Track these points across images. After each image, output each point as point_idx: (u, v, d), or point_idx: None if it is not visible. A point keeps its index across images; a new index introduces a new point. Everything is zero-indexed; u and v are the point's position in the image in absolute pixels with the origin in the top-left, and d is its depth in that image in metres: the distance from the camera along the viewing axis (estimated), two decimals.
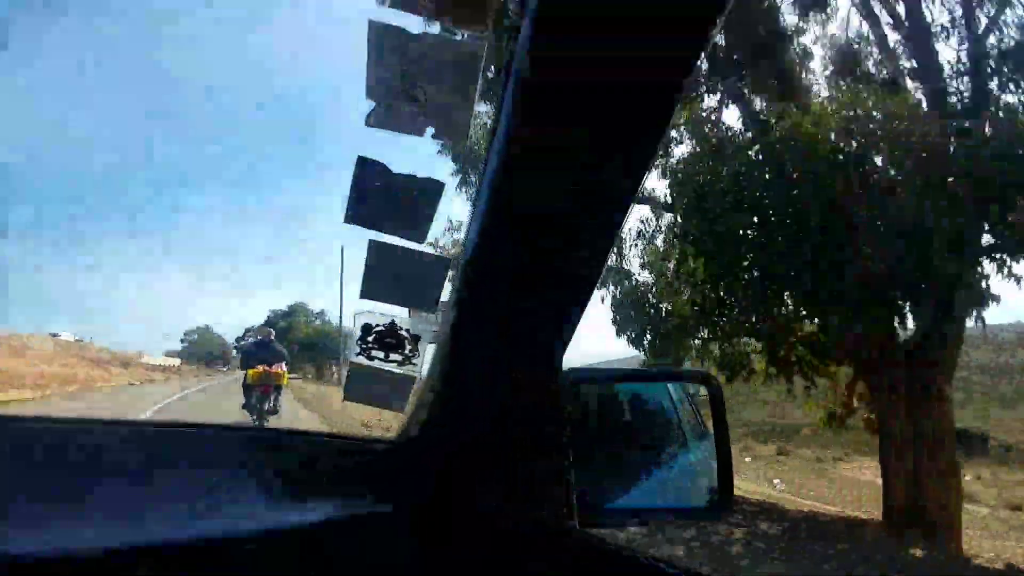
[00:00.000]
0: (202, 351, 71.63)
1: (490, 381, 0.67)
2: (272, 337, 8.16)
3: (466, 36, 0.62)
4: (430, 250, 0.71)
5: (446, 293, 0.69)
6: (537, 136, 0.51)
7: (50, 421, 0.91)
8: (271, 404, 7.51)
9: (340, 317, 22.92)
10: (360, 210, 0.69)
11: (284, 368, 7.65)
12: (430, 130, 0.65)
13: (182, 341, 74.14)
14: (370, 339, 0.74)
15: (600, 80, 0.47)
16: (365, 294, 0.70)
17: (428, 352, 0.73)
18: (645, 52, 0.44)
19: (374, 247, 0.68)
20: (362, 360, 0.75)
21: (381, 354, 0.74)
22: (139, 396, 13.86)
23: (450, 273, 0.70)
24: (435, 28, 0.63)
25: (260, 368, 7.43)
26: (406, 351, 0.73)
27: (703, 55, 0.58)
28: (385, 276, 0.70)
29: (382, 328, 0.73)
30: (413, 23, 0.62)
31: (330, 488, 0.72)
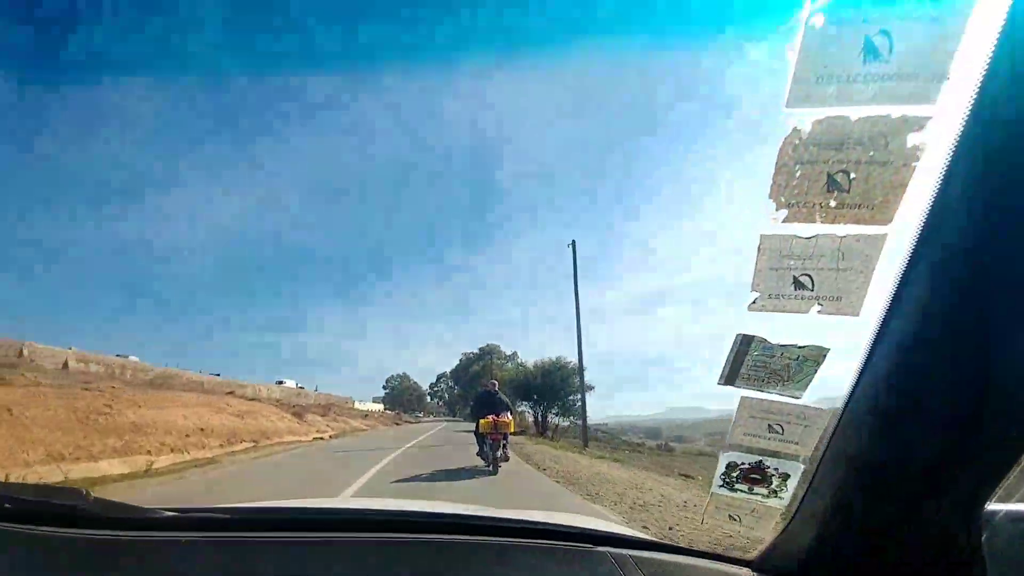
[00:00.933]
0: (402, 396, 78.70)
1: (901, 520, 0.66)
2: (496, 388, 8.79)
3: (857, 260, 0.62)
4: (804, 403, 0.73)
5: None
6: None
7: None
8: (502, 452, 8.14)
9: (580, 368, 21.20)
10: (736, 375, 0.73)
11: (510, 417, 8.26)
12: (816, 307, 0.66)
13: (384, 387, 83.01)
14: (734, 475, 0.80)
15: None
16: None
17: (795, 480, 0.78)
18: None
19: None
20: (724, 492, 0.82)
21: (745, 487, 0.80)
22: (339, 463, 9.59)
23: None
24: (826, 228, 0.63)
25: (489, 418, 8.05)
26: (772, 486, 0.79)
27: None
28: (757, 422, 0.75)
29: (747, 466, 0.79)
30: (803, 228, 0.63)
31: None
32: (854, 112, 0.61)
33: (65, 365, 21.01)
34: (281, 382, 47.80)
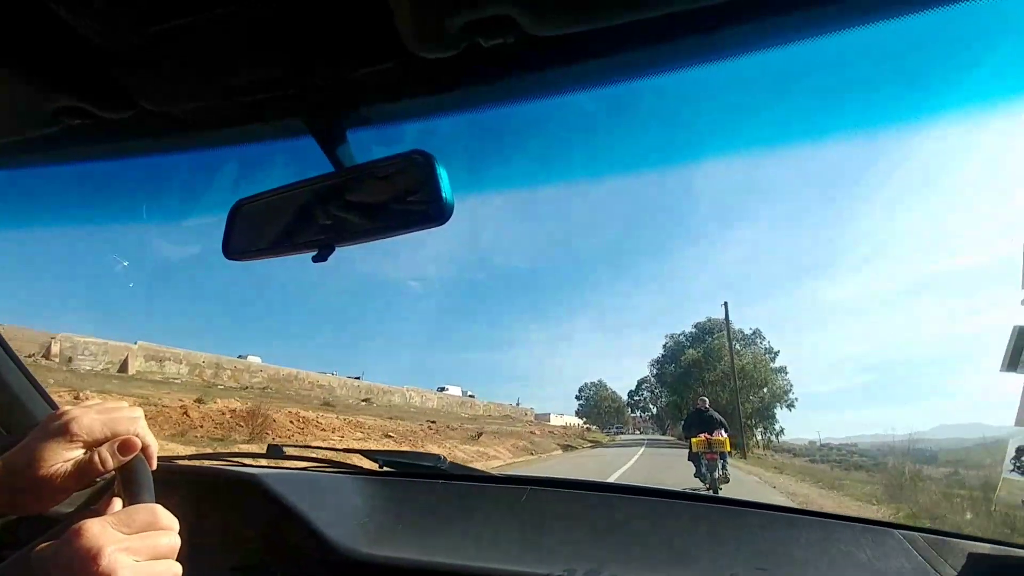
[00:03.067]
0: (598, 407, 72.28)
1: None
2: (707, 405, 8.57)
3: None
4: None
5: None
6: None
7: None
8: (720, 472, 7.76)
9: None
10: (1018, 361, 0.89)
11: (724, 435, 7.94)
12: None
13: (577, 398, 77.24)
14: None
15: None
16: None
17: None
18: None
19: None
20: (1016, 476, 0.93)
21: None
22: None
23: None
24: None
25: (702, 436, 7.86)
26: None
27: None
28: None
29: None
30: None
31: None
32: None
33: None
34: (443, 388, 45.43)
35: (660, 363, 47.84)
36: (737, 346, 37.10)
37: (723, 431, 7.89)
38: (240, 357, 30.41)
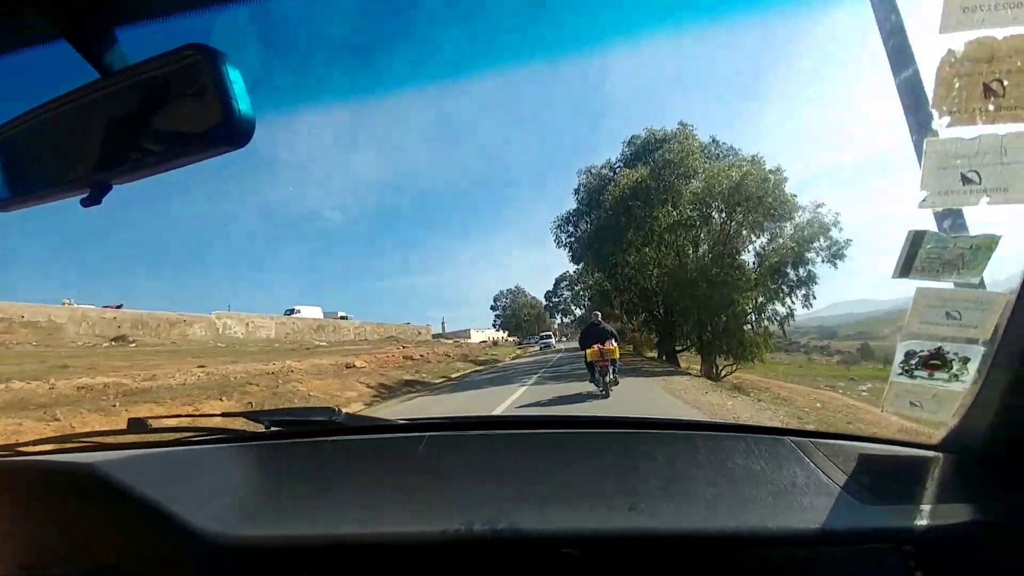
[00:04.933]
0: (516, 318, 62.35)
1: None
2: (600, 319, 9.76)
3: None
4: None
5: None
6: None
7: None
8: (612, 376, 8.99)
9: None
10: (910, 268, 0.86)
11: (614, 344, 9.07)
12: (985, 198, 0.78)
13: (493, 308, 65.77)
14: (913, 362, 0.92)
15: None
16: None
17: (975, 364, 0.88)
18: None
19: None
20: (904, 379, 0.94)
21: (925, 374, 0.92)
22: None
23: None
24: (987, 129, 0.76)
25: (595, 347, 8.93)
26: (953, 371, 0.90)
27: None
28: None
29: (926, 353, 0.91)
30: None
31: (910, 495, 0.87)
32: (999, 32, 0.75)
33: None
34: (293, 311, 38.40)
35: (571, 220, 24.58)
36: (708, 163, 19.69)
37: (613, 340, 9.07)
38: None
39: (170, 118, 0.56)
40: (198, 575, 0.88)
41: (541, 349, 39.14)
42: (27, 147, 0.65)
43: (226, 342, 28.46)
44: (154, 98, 0.56)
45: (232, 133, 0.53)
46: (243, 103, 0.52)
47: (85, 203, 0.59)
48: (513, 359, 30.56)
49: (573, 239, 24.09)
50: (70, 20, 0.60)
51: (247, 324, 33.54)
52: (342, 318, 43.31)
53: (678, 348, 21.91)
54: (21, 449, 1.20)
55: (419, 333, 48.17)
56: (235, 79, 0.52)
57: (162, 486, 0.94)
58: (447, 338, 48.70)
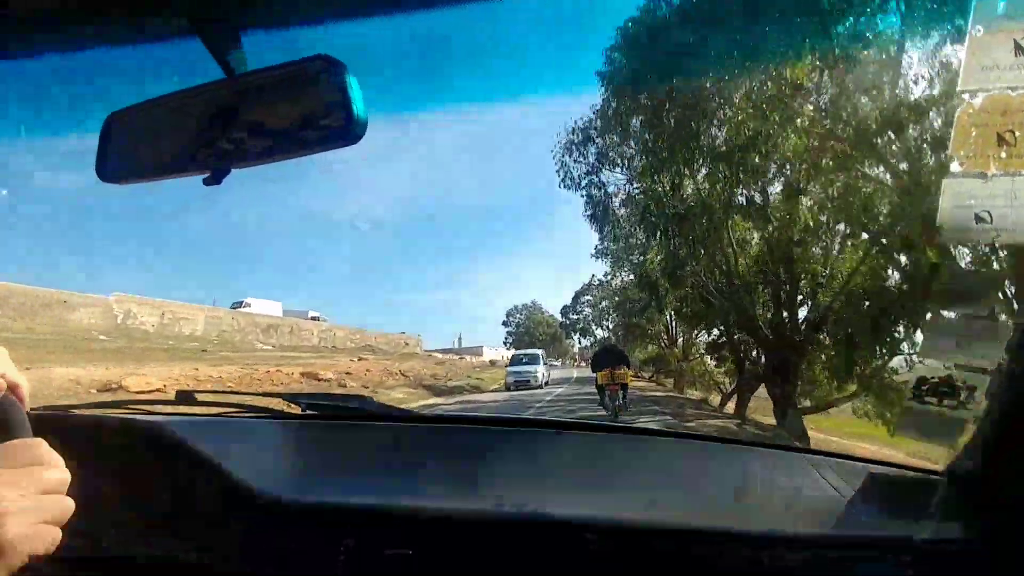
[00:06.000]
0: (530, 335, 53.20)
1: None
2: (613, 341, 10.13)
3: None
4: None
5: None
6: None
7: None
8: (621, 401, 9.14)
9: None
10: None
11: (626, 369, 9.33)
12: (995, 236, 0.86)
13: (505, 324, 57.48)
14: (924, 388, 0.98)
15: None
16: None
17: (982, 391, 0.94)
18: None
19: None
20: (915, 405, 1.00)
21: (934, 400, 0.98)
22: None
23: None
24: (999, 174, 0.84)
25: (606, 371, 9.13)
26: (961, 398, 0.96)
27: None
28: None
29: (936, 380, 0.97)
30: None
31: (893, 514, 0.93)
32: (1013, 89, 0.83)
33: None
34: (241, 304, 32.15)
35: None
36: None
37: (624, 366, 9.31)
38: None
39: (293, 114, 0.66)
40: (246, 532, 0.94)
41: (512, 386, 20.33)
42: (151, 127, 0.75)
43: (125, 334, 21.83)
44: (281, 98, 0.66)
45: (351, 132, 0.63)
46: (358, 106, 0.63)
47: (207, 182, 0.69)
48: (494, 389, 20.77)
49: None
50: (203, 19, 0.70)
51: (162, 313, 25.35)
52: (313, 319, 35.90)
53: (807, 406, 11.53)
54: (74, 411, 1.28)
55: (406, 344, 38.81)
56: (352, 85, 0.63)
57: (211, 448, 1.02)
58: (457, 354, 42.53)
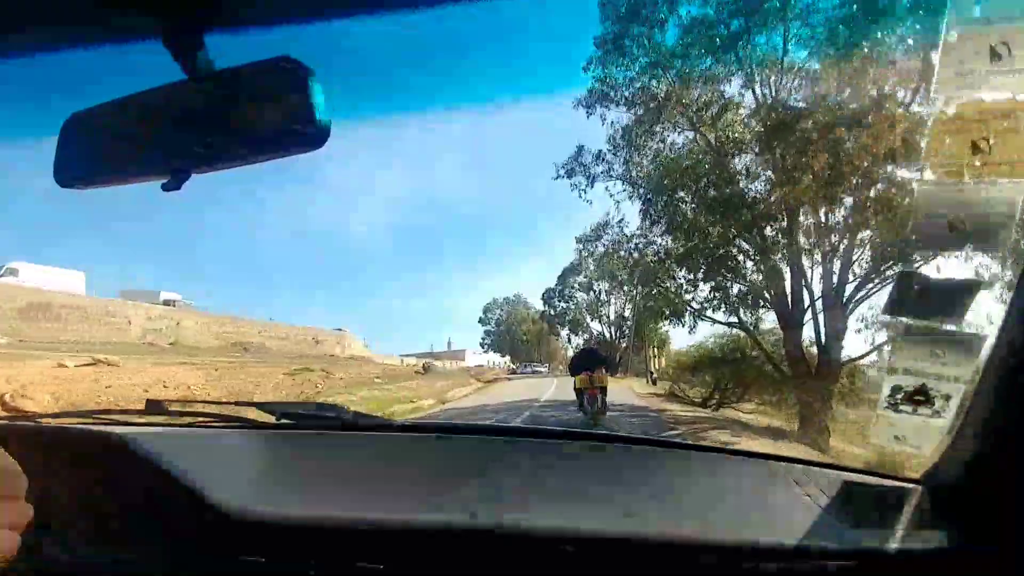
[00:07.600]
0: (511, 334, 46.21)
1: None
2: (593, 345, 9.98)
3: None
4: None
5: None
6: None
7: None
8: (599, 405, 8.90)
9: None
10: (900, 308, 0.93)
11: (605, 372, 9.14)
12: (969, 245, 0.86)
13: (482, 322, 49.82)
14: (899, 397, 0.98)
15: None
16: None
17: (956, 400, 0.94)
18: None
19: None
20: (890, 413, 0.99)
21: (909, 408, 0.97)
22: None
23: None
24: (973, 182, 0.84)
25: (584, 375, 8.93)
26: (936, 407, 0.95)
27: None
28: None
29: (911, 388, 0.97)
30: None
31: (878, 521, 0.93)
32: (987, 95, 0.83)
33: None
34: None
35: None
36: None
37: (603, 369, 9.13)
38: None
39: (256, 119, 0.64)
40: (210, 545, 0.92)
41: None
42: (111, 130, 0.73)
43: None
44: (244, 99, 0.64)
45: (312, 138, 0.61)
46: (319, 110, 0.61)
47: (166, 188, 0.67)
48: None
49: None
50: (169, 19, 0.68)
51: None
52: (168, 302, 25.62)
53: None
54: (42, 421, 1.25)
55: (338, 343, 30.78)
56: (315, 88, 0.61)
57: (180, 461, 0.99)
58: (436, 357, 38.27)
